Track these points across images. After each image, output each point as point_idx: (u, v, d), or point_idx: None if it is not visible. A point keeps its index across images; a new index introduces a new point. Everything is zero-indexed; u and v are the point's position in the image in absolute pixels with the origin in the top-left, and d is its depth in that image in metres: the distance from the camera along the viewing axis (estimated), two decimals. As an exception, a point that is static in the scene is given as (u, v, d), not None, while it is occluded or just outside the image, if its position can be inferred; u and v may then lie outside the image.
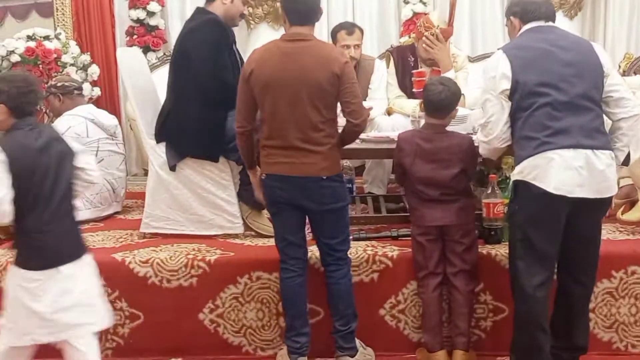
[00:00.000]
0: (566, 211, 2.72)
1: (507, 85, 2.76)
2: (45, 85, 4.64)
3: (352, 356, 3.08)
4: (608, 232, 3.63)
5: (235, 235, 3.72)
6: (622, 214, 3.70)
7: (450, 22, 4.30)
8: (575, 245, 2.83)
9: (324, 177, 2.88)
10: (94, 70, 5.20)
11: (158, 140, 3.73)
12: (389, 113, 4.55)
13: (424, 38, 4.25)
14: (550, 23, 2.90)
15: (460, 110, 3.47)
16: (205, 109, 3.57)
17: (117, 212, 4.44)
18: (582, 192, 2.66)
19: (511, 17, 2.98)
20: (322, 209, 2.94)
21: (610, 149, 2.74)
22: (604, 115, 2.81)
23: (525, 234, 2.78)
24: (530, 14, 2.88)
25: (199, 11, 3.73)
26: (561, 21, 5.26)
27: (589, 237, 2.86)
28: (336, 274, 3.02)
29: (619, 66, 5.26)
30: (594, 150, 2.66)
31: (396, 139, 3.70)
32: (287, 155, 2.88)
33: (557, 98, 2.68)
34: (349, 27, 4.57)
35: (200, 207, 3.72)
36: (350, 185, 4.31)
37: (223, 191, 3.70)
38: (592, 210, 2.78)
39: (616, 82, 2.82)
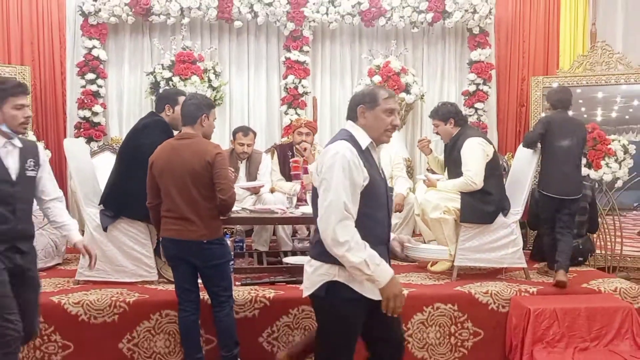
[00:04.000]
0: None
1: None
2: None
3: None
4: (422, 279, 3.74)
5: (151, 282, 3.58)
6: (430, 266, 3.80)
7: (314, 118, 4.42)
8: None
9: (204, 241, 2.84)
10: (47, 154, 4.95)
11: (104, 205, 3.60)
12: (272, 191, 4.58)
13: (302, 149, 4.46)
14: None
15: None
16: (143, 181, 3.36)
17: (58, 264, 4.16)
18: None
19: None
20: (205, 265, 2.88)
21: None
22: None
23: None
24: None
25: (151, 114, 3.65)
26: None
27: None
28: (220, 313, 2.93)
29: (430, 164, 5.38)
30: None
31: (277, 211, 3.75)
32: (177, 223, 2.85)
33: None
34: (245, 130, 4.63)
35: (124, 260, 3.58)
36: (241, 244, 4.30)
37: (142, 247, 3.59)
38: None
39: None
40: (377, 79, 5.38)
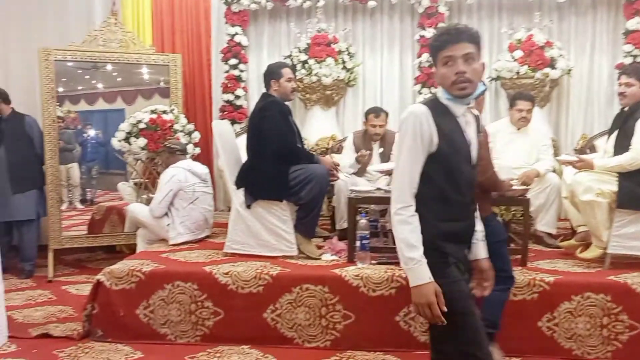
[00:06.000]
0: None
1: None
2: (162, 145, 4.77)
3: None
4: (569, 266, 3.52)
5: (291, 257, 3.69)
6: (579, 253, 3.59)
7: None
8: None
9: None
10: (196, 135, 5.28)
11: (238, 187, 3.77)
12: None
13: None
14: None
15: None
16: (274, 164, 3.61)
17: (208, 236, 4.46)
18: None
19: None
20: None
21: None
22: None
23: None
24: None
25: (263, 95, 3.82)
26: (534, 110, 5.14)
27: None
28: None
29: (578, 144, 5.08)
30: None
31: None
32: None
33: None
34: (377, 111, 4.58)
35: (267, 235, 3.72)
36: (375, 223, 4.27)
37: (284, 224, 3.70)
38: None
39: None
40: (518, 53, 5.07)
